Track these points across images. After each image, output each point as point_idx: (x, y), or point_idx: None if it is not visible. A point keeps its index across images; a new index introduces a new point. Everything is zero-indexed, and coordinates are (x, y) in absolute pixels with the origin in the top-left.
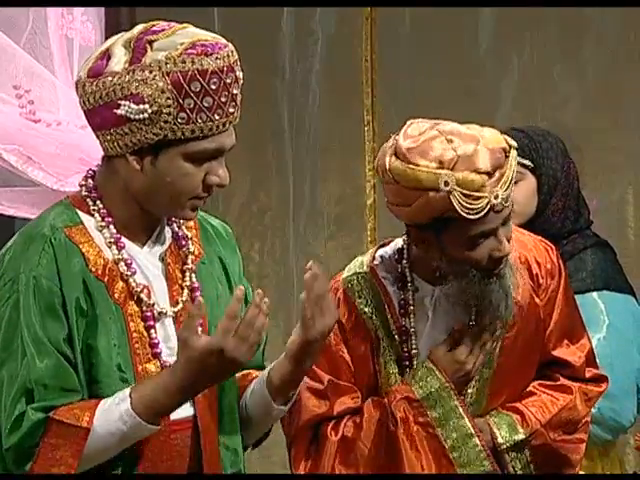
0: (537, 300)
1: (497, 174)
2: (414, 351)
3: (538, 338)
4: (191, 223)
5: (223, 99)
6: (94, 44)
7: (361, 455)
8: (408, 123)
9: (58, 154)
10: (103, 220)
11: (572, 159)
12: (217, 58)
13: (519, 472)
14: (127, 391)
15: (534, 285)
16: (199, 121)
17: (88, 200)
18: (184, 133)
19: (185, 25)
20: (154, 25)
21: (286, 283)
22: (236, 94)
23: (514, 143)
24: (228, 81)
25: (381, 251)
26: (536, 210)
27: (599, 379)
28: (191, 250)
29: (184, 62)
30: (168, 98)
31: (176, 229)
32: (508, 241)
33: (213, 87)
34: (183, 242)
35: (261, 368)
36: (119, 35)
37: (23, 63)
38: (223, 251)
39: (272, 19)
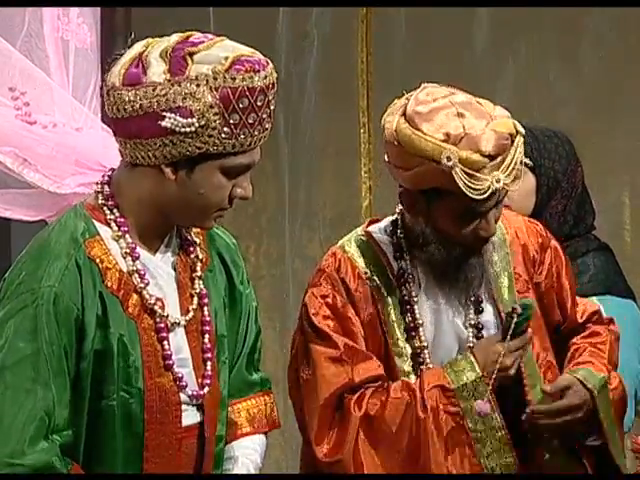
0: (537, 276)
1: (499, 158)
2: (419, 321)
3: (546, 310)
4: (198, 229)
5: (264, 116)
6: (90, 46)
7: (384, 435)
8: (422, 87)
9: (54, 156)
10: (119, 230)
11: (580, 162)
12: (265, 76)
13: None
14: None
15: (533, 261)
16: (241, 136)
17: (105, 209)
18: (225, 147)
19: (222, 38)
20: (191, 36)
21: (282, 285)
22: (273, 110)
23: (522, 130)
24: (270, 98)
25: (374, 225)
26: (534, 210)
27: (610, 320)
28: (200, 257)
29: (234, 78)
30: (216, 113)
31: (185, 235)
32: (496, 222)
33: (259, 104)
34: (191, 249)
35: (254, 383)
36: (147, 42)
37: (19, 65)
38: (228, 260)
39: (268, 20)
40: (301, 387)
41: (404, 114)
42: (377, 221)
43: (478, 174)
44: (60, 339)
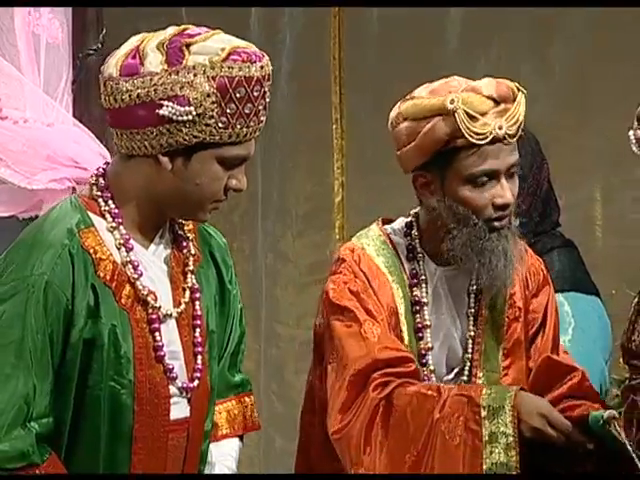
0: (529, 307)
1: (502, 105)
2: (427, 322)
3: (525, 341)
4: (190, 226)
5: (260, 107)
6: (61, 41)
7: (399, 427)
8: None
9: (25, 151)
10: (114, 221)
11: (546, 160)
12: (261, 67)
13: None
14: None
15: (527, 292)
16: (237, 127)
17: (100, 200)
18: (222, 137)
19: (217, 31)
20: (187, 29)
21: (255, 280)
22: (268, 103)
23: (525, 92)
24: (266, 90)
25: (388, 226)
26: None
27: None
28: (192, 253)
29: (231, 68)
30: (213, 102)
31: (178, 230)
32: (513, 197)
33: (255, 94)
34: (184, 244)
35: (236, 385)
36: (143, 35)
37: None
38: (219, 259)
39: (240, 19)
40: (328, 373)
41: (405, 99)
42: (390, 221)
43: (481, 118)
44: (47, 327)
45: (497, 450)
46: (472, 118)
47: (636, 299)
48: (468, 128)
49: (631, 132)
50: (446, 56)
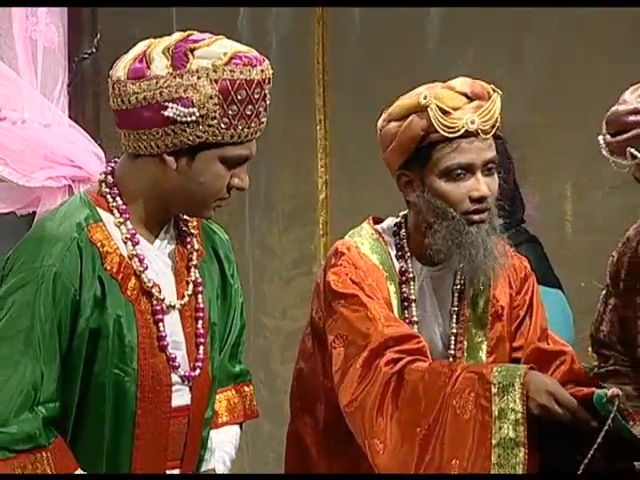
0: (513, 304)
1: (476, 102)
2: (414, 318)
3: (509, 336)
4: (194, 223)
5: (260, 109)
6: (57, 46)
7: (410, 401)
8: None
9: (23, 151)
10: (121, 216)
11: (512, 160)
12: (262, 70)
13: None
14: None
15: (511, 290)
16: (239, 127)
17: (108, 196)
18: (224, 137)
19: (221, 37)
20: (191, 34)
21: (242, 274)
22: (269, 105)
23: (500, 93)
24: (266, 92)
25: (379, 225)
26: None
27: None
28: (196, 248)
29: (232, 71)
30: (215, 104)
31: (182, 226)
32: (490, 191)
33: (256, 96)
34: (188, 239)
35: (236, 375)
36: (150, 41)
37: None
38: (222, 255)
39: (228, 21)
40: (334, 357)
41: (389, 106)
42: (380, 220)
43: (453, 112)
44: (55, 316)
45: (506, 425)
46: (445, 112)
47: (604, 291)
48: (440, 122)
49: (600, 137)
50: (425, 58)
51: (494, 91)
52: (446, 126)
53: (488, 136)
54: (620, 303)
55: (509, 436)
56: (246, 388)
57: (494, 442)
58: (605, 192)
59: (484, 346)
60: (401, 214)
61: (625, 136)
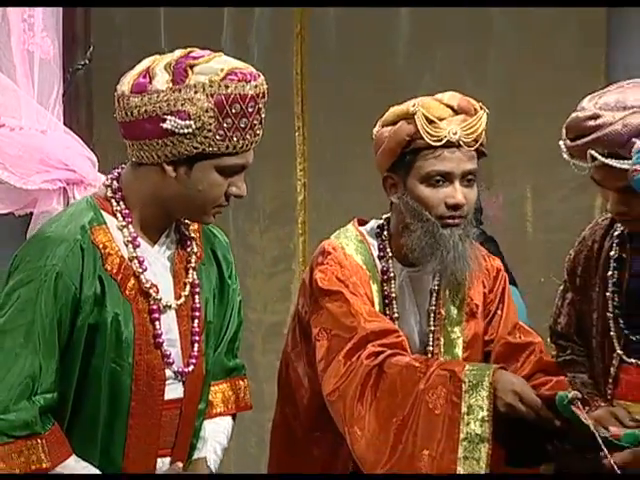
0: (486, 302)
1: (462, 116)
2: (395, 315)
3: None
4: (195, 227)
5: (255, 122)
6: (52, 57)
7: (389, 393)
8: None
9: (20, 155)
10: (124, 220)
11: None
12: (255, 86)
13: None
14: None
15: (484, 289)
16: (234, 139)
17: (112, 201)
18: (220, 148)
19: (219, 54)
20: (192, 51)
21: None
22: (264, 118)
23: (487, 111)
24: (260, 106)
25: (363, 227)
26: None
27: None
28: (195, 251)
29: (227, 86)
30: (211, 117)
31: (183, 230)
32: (466, 200)
33: (250, 110)
34: (188, 243)
35: (232, 369)
36: (154, 57)
37: None
38: (220, 256)
39: (213, 36)
40: (317, 348)
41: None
42: (364, 222)
43: (438, 122)
44: (55, 312)
45: (473, 422)
46: (430, 122)
47: (562, 287)
48: (425, 130)
49: (561, 142)
50: (395, 71)
51: (481, 108)
52: (430, 134)
53: (470, 149)
54: (576, 297)
55: (475, 432)
56: (240, 382)
57: (462, 436)
58: (563, 194)
59: (460, 342)
60: (384, 216)
61: (584, 140)
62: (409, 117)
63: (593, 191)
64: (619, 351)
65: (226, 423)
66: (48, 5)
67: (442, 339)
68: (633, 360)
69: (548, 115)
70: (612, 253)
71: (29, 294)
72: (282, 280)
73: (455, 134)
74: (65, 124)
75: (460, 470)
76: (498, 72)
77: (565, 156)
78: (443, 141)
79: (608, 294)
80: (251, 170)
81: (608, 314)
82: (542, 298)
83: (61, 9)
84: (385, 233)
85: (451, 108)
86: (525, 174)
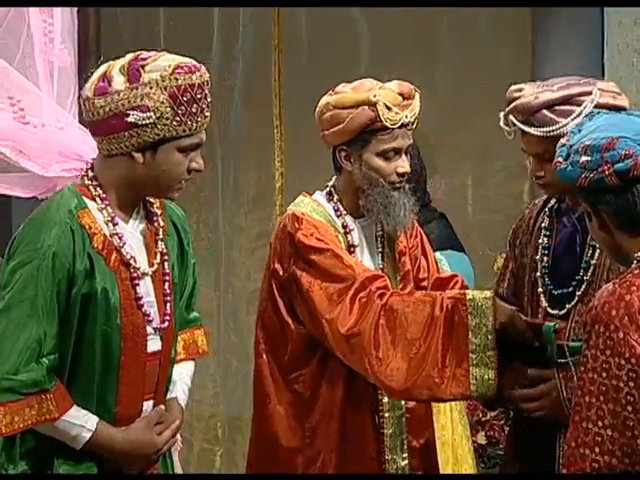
0: (409, 245)
1: (408, 101)
2: (360, 259)
3: (413, 268)
4: (158, 203)
5: (203, 106)
6: (69, 66)
7: (401, 326)
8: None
9: (42, 148)
10: (102, 203)
11: (422, 160)
12: (200, 75)
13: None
14: (94, 424)
15: (406, 235)
16: (189, 122)
17: (90, 187)
18: (178, 132)
19: (163, 53)
20: (140, 54)
21: (216, 245)
22: (210, 102)
23: (419, 92)
24: (206, 92)
25: (312, 196)
26: None
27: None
28: (161, 225)
29: (177, 79)
30: (167, 107)
31: (149, 207)
32: (407, 168)
33: (198, 96)
34: (154, 218)
35: (190, 321)
36: (108, 64)
37: (16, 80)
38: (179, 227)
39: (204, 47)
40: (312, 298)
41: (330, 94)
42: (310, 194)
43: (394, 108)
44: (54, 286)
45: (479, 336)
46: (388, 109)
47: (504, 256)
48: (386, 116)
49: (501, 114)
50: (359, 76)
51: (415, 91)
52: (389, 119)
53: (412, 126)
54: (515, 265)
55: (483, 343)
56: (197, 331)
57: (471, 347)
58: (497, 181)
59: (397, 276)
60: (329, 184)
61: (508, 108)
62: (371, 104)
63: (523, 179)
64: (544, 304)
65: (189, 367)
66: (47, 5)
67: (388, 274)
68: (555, 311)
69: (485, 117)
70: (543, 224)
71: (30, 272)
72: (262, 253)
73: (406, 117)
74: (80, 122)
75: (473, 373)
76: (445, 81)
77: (503, 126)
78: (398, 124)
79: (537, 257)
80: (237, 161)
81: (538, 274)
82: (480, 268)
83: (76, 25)
84: (336, 197)
85: (401, 95)
86: (467, 166)
